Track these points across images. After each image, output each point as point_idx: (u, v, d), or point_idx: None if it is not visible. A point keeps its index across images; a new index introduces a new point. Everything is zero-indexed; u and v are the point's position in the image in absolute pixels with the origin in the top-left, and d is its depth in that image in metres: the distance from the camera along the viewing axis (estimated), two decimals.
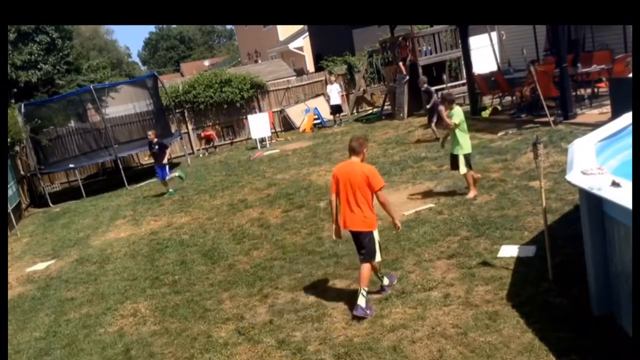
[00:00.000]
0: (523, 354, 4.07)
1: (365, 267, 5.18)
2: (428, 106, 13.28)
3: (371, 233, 5.19)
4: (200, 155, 18.22)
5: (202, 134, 18.65)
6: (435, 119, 12.23)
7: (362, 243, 5.19)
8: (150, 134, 12.84)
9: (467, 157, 7.91)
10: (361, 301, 5.06)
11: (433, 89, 13.57)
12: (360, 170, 5.09)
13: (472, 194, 7.87)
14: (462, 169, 7.88)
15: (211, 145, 18.62)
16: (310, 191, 10.14)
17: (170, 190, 12.54)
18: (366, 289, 5.13)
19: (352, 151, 5.19)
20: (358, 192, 5.07)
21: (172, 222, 9.98)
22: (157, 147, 12.64)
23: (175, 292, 6.63)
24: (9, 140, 13.03)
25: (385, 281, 5.50)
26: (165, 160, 12.48)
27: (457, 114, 7.79)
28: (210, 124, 19.23)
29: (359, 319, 5.02)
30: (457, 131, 7.80)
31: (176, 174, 13.13)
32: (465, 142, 7.86)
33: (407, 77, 16.97)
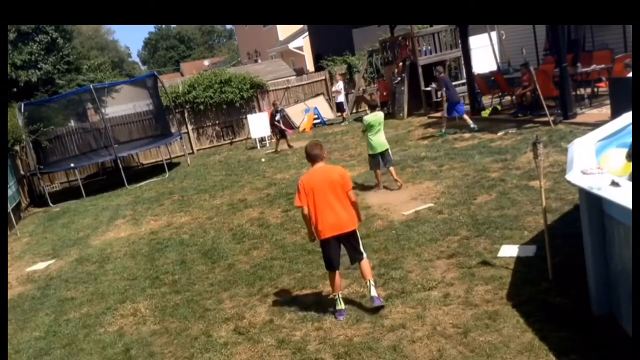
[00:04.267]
0: (523, 353, 4.07)
1: (365, 262, 5.25)
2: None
3: (357, 230, 5.25)
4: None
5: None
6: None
7: (354, 242, 5.20)
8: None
9: (372, 157, 9.22)
10: (374, 291, 5.16)
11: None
12: (335, 172, 5.15)
13: (377, 188, 9.32)
14: (370, 166, 9.45)
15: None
16: None
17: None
18: (373, 279, 5.24)
19: (317, 158, 5.15)
20: (339, 194, 5.06)
21: (172, 222, 9.98)
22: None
23: (176, 292, 6.63)
24: (9, 140, 13.03)
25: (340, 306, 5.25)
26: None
27: (366, 121, 9.13)
28: (210, 124, 19.29)
29: (378, 309, 5.10)
30: (368, 135, 9.15)
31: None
32: (371, 145, 9.13)
33: (399, 79, 17.03)
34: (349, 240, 5.18)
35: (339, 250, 5.21)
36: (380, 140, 9.12)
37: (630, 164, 4.56)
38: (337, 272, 5.25)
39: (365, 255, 5.29)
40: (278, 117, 16.50)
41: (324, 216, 5.04)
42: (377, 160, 9.17)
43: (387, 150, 9.19)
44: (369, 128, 9.05)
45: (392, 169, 9.23)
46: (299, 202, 5.14)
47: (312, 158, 5.18)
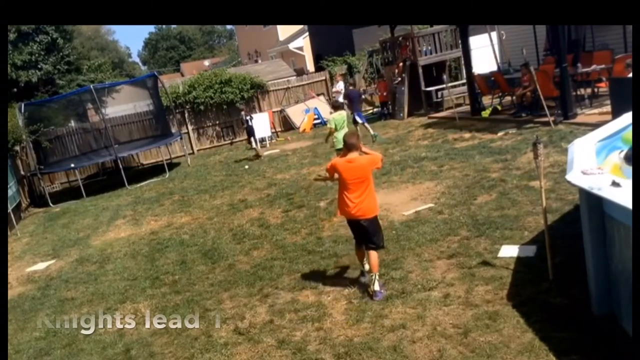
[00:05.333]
0: (523, 353, 4.07)
1: (375, 254, 5.51)
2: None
3: (377, 217, 5.61)
4: None
5: None
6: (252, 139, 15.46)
7: (372, 229, 5.52)
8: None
9: (338, 151, 9.25)
10: (377, 286, 5.42)
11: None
12: (365, 162, 5.49)
13: None
14: None
15: None
16: (310, 191, 10.14)
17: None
18: (378, 273, 5.50)
19: (353, 147, 5.51)
20: (367, 182, 5.45)
21: (172, 222, 9.98)
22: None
23: (176, 292, 6.63)
24: (9, 140, 13.03)
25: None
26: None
27: (332, 120, 10.12)
28: (210, 124, 19.27)
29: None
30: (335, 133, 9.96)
31: None
32: (338, 140, 9.75)
33: (399, 79, 17.03)
34: (368, 226, 5.51)
35: (361, 231, 5.60)
36: None
37: (620, 165, 4.57)
38: (374, 252, 5.53)
39: (381, 246, 5.65)
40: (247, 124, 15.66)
41: (349, 200, 5.49)
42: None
43: None
44: (336, 126, 10.07)
45: None
46: (327, 173, 5.80)
47: (348, 146, 5.56)
